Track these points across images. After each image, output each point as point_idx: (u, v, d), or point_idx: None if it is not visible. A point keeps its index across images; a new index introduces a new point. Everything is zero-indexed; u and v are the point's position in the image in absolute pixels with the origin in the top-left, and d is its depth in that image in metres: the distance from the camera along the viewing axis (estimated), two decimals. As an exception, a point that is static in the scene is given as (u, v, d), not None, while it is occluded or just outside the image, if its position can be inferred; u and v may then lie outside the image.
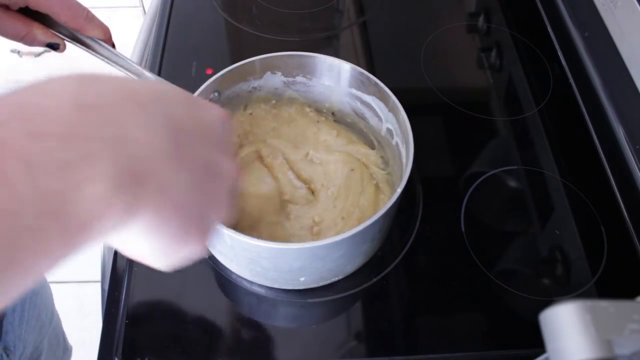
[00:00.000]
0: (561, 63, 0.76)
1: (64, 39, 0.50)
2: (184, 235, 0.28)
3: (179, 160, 0.26)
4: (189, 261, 0.30)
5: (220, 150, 0.30)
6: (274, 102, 0.62)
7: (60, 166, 0.20)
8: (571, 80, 0.74)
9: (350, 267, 0.53)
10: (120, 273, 0.55)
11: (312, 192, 0.58)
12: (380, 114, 0.58)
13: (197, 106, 0.29)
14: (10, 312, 0.62)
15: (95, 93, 0.23)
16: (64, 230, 0.21)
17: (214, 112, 0.30)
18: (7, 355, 0.60)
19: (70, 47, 0.50)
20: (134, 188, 0.23)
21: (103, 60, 0.51)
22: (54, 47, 0.50)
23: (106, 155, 0.22)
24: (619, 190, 0.63)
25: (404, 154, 0.53)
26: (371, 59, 0.78)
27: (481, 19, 0.85)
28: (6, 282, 0.19)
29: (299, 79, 0.60)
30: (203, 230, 0.29)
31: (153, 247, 0.27)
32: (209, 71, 0.70)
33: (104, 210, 0.22)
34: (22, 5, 0.46)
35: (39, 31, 0.48)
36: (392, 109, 0.55)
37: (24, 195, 0.19)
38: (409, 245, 0.58)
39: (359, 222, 0.46)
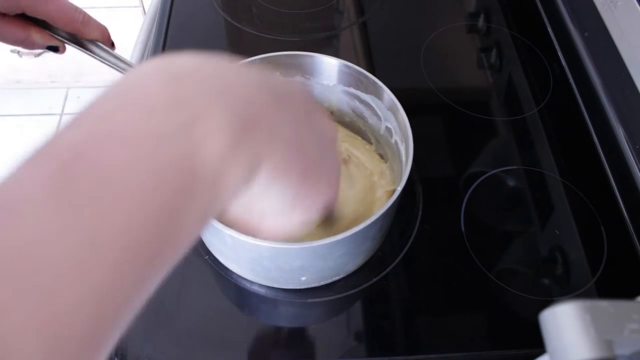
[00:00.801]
0: (561, 63, 0.76)
1: (63, 42, 0.50)
2: (309, 179, 0.28)
3: (280, 106, 0.26)
4: (316, 217, 0.30)
5: (314, 105, 0.30)
6: None
7: (178, 130, 0.20)
8: (571, 80, 0.74)
9: (351, 266, 0.53)
10: (120, 273, 0.55)
11: None
12: (379, 112, 0.58)
13: (312, 103, 0.30)
14: None
15: (182, 66, 0.24)
16: (199, 192, 0.21)
17: (296, 82, 0.32)
18: None
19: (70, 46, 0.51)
20: (249, 132, 0.23)
21: (102, 61, 0.51)
22: (53, 49, 0.50)
23: (215, 108, 0.22)
24: (619, 190, 0.63)
25: (404, 152, 0.53)
26: (371, 59, 0.78)
27: (481, 19, 0.85)
28: (162, 262, 0.21)
29: (298, 78, 0.60)
30: (322, 172, 0.29)
31: (281, 200, 0.27)
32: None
33: (229, 160, 0.22)
34: (19, 12, 0.46)
35: (38, 35, 0.48)
36: (391, 108, 0.55)
37: (159, 166, 0.20)
38: (409, 245, 0.58)
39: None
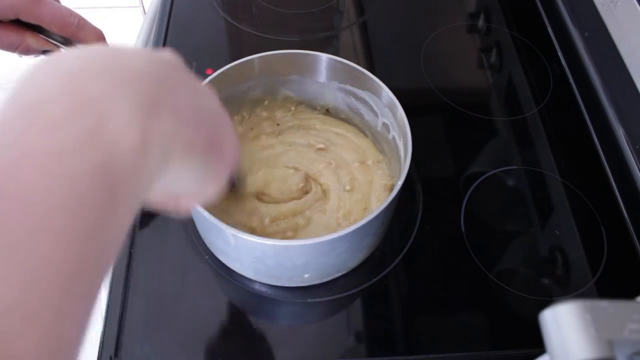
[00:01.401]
0: (561, 63, 0.76)
1: (58, 46, 0.50)
2: (214, 147, 0.30)
3: (172, 83, 0.27)
4: (221, 185, 0.33)
5: (189, 74, 0.31)
6: (266, 103, 0.62)
7: (87, 138, 0.20)
8: (571, 80, 0.74)
9: (353, 262, 0.54)
10: (120, 273, 0.55)
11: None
12: (375, 109, 0.58)
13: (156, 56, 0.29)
14: None
15: (71, 65, 0.23)
16: (122, 194, 0.21)
17: (166, 51, 0.31)
18: None
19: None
20: (156, 119, 0.24)
21: None
22: (49, 54, 0.50)
23: (118, 102, 0.22)
24: (619, 190, 0.63)
25: (402, 148, 0.53)
26: (371, 59, 0.78)
27: (481, 19, 0.85)
28: (92, 288, 0.20)
29: (293, 77, 0.60)
30: (221, 143, 0.31)
31: (193, 174, 0.29)
32: (209, 71, 0.70)
33: (145, 153, 0.22)
34: (13, 17, 0.46)
35: (33, 40, 0.48)
36: (388, 104, 0.55)
37: (78, 181, 0.19)
38: (409, 245, 0.58)
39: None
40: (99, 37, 0.50)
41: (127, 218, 0.22)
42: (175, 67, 0.30)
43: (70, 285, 0.19)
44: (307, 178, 0.58)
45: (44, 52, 0.49)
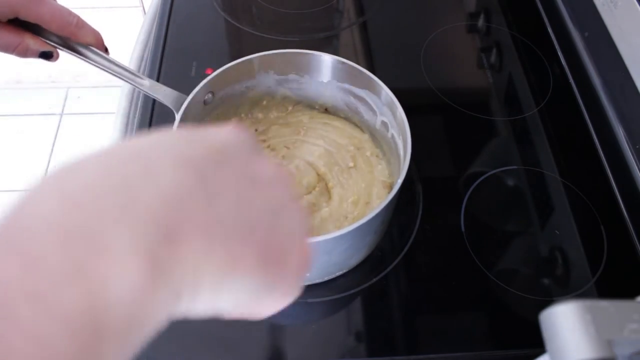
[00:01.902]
0: (561, 63, 0.76)
1: (56, 47, 0.50)
2: (270, 262, 0.23)
3: (207, 188, 0.20)
4: (286, 301, 0.25)
5: (251, 158, 0.24)
6: (264, 103, 0.62)
7: (71, 274, 0.16)
8: (571, 80, 0.74)
9: (354, 260, 0.54)
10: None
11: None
12: (374, 107, 0.58)
13: (202, 132, 0.24)
14: None
15: (77, 184, 0.19)
16: (112, 347, 0.17)
17: (224, 130, 0.25)
18: None
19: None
20: (174, 249, 0.18)
21: (97, 66, 0.51)
22: (47, 56, 0.49)
23: (120, 230, 0.17)
24: (619, 190, 0.63)
25: (401, 146, 0.53)
26: (371, 59, 0.78)
27: (481, 19, 0.85)
28: None
29: (292, 76, 0.60)
30: (280, 250, 0.23)
31: (233, 304, 0.22)
32: (209, 71, 0.70)
33: (151, 296, 0.18)
34: (12, 16, 0.46)
35: (31, 41, 0.47)
36: (386, 102, 0.55)
37: (62, 340, 0.16)
38: (409, 245, 0.58)
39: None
40: (97, 38, 0.50)
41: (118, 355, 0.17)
42: (230, 153, 0.23)
43: None
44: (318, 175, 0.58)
45: (42, 54, 0.49)
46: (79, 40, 0.49)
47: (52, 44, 0.49)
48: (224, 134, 0.24)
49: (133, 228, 0.17)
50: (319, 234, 0.45)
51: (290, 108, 0.64)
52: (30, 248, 0.16)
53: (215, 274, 0.20)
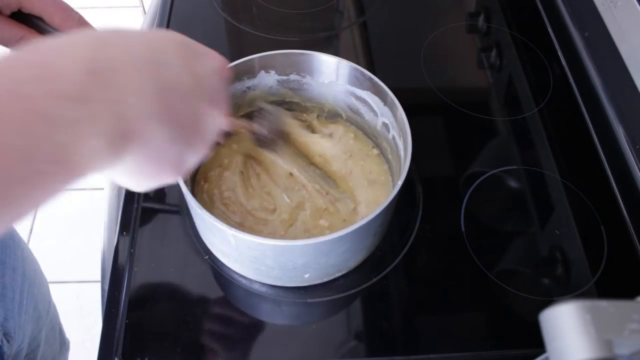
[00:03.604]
0: (561, 63, 0.76)
1: None
2: (158, 174, 0.35)
3: (163, 118, 0.31)
4: (162, 185, 0.37)
5: (211, 103, 0.35)
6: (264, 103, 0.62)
7: (71, 122, 0.26)
8: (571, 80, 0.74)
9: (353, 262, 0.54)
10: (120, 273, 0.55)
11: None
12: (375, 108, 0.58)
13: (195, 58, 0.35)
14: (10, 299, 0.62)
15: (104, 58, 0.29)
16: (65, 173, 0.26)
17: (211, 63, 0.36)
18: (8, 342, 0.60)
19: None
20: (122, 142, 0.29)
21: None
22: None
23: (105, 116, 0.27)
24: (619, 190, 0.63)
25: (402, 147, 0.53)
26: (371, 59, 0.78)
27: (481, 19, 0.85)
28: (9, 211, 0.25)
29: (293, 77, 0.60)
30: (177, 168, 0.36)
31: (132, 179, 0.34)
32: (209, 71, 0.70)
33: (98, 158, 0.28)
34: (16, 8, 0.46)
35: (32, 36, 0.48)
36: (387, 103, 0.55)
37: (40, 144, 0.24)
38: (409, 245, 0.58)
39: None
40: None
41: (59, 181, 0.27)
42: (195, 92, 0.34)
43: None
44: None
45: None
46: None
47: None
48: (210, 67, 0.36)
49: (111, 118, 0.28)
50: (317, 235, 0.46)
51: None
52: (57, 85, 0.26)
53: (126, 168, 0.32)
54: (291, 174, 0.58)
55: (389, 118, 0.56)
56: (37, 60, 0.26)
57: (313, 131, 0.63)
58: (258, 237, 0.45)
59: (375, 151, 0.61)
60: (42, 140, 0.24)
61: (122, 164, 0.31)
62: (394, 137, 0.56)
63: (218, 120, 0.37)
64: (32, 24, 0.48)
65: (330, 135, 0.62)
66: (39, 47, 0.27)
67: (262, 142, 0.52)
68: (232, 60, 0.57)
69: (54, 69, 0.26)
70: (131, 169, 0.32)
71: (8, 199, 0.24)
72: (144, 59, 0.31)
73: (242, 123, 0.51)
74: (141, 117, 0.30)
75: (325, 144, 0.61)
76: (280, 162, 0.58)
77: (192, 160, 0.37)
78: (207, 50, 0.38)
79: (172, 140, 0.33)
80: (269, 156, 0.59)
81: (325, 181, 0.58)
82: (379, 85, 0.55)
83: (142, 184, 0.36)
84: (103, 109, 0.27)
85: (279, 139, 0.54)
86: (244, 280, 0.55)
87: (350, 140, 0.62)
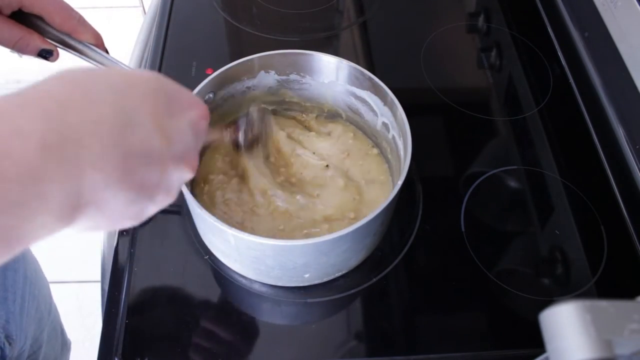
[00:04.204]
0: (561, 63, 0.76)
1: (57, 46, 0.49)
2: (114, 227, 0.35)
3: (123, 186, 0.29)
4: (159, 208, 0.35)
5: (179, 160, 0.33)
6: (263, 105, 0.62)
7: (16, 204, 0.24)
8: (571, 80, 0.74)
9: (353, 262, 0.54)
10: (120, 273, 0.55)
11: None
12: (375, 108, 0.58)
13: (169, 113, 0.33)
14: (12, 301, 0.62)
15: (62, 128, 0.26)
16: (6, 250, 0.25)
17: (187, 116, 0.34)
18: (10, 344, 0.60)
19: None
20: (74, 214, 0.27)
21: (96, 65, 0.51)
22: (46, 55, 0.49)
23: (57, 194, 0.25)
24: (619, 190, 0.63)
25: (402, 147, 0.53)
26: (371, 59, 0.78)
27: (481, 19, 0.85)
28: None
29: (293, 77, 0.60)
30: (136, 219, 0.34)
31: (85, 232, 0.32)
32: (209, 71, 0.70)
33: (46, 231, 0.26)
34: (17, 7, 0.46)
35: (32, 37, 0.47)
36: (387, 103, 0.55)
37: None
38: (409, 245, 0.58)
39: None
40: (97, 37, 0.50)
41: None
42: (162, 151, 0.32)
43: None
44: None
45: (41, 53, 0.49)
46: (79, 37, 0.49)
47: (53, 42, 0.49)
48: (185, 122, 0.34)
49: (64, 196, 0.26)
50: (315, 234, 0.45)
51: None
52: (4, 166, 0.24)
53: (81, 228, 0.29)
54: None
55: (389, 118, 0.56)
56: None
57: (311, 130, 0.63)
58: (258, 237, 0.45)
59: (375, 151, 0.61)
60: None
61: (73, 228, 0.29)
62: (393, 137, 0.56)
63: (185, 175, 0.35)
64: (32, 24, 0.48)
65: (329, 134, 0.63)
66: None
67: (239, 147, 0.52)
68: (232, 60, 0.57)
69: (2, 147, 0.24)
70: (84, 228, 0.30)
71: None
72: (109, 123, 0.28)
73: (213, 136, 0.51)
74: (97, 189, 0.28)
75: (321, 143, 0.61)
76: (255, 175, 0.57)
77: (154, 210, 0.35)
78: (186, 97, 0.35)
79: (131, 202, 0.31)
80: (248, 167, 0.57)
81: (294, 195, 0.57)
82: (379, 85, 0.55)
83: (97, 231, 0.33)
84: (55, 188, 0.25)
85: (256, 144, 0.54)
86: (244, 280, 0.55)
87: (349, 140, 0.62)
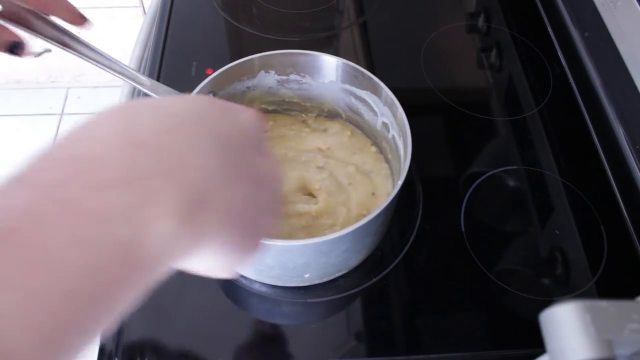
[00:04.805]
0: (561, 63, 0.76)
1: (56, 46, 0.49)
2: (245, 244, 0.29)
3: (231, 176, 0.26)
4: (247, 263, 0.32)
5: (261, 152, 0.30)
6: (262, 106, 0.62)
7: (126, 212, 0.20)
8: (571, 80, 0.74)
9: (354, 261, 0.54)
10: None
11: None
12: (375, 108, 0.58)
13: (231, 112, 0.29)
14: None
15: (142, 127, 0.23)
16: (139, 274, 0.21)
17: (246, 114, 0.30)
18: None
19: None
20: (198, 216, 0.23)
21: (97, 66, 0.51)
22: (17, 50, 0.47)
23: (167, 190, 0.22)
24: (619, 190, 0.63)
25: (402, 147, 0.53)
26: (371, 59, 0.78)
27: (481, 19, 0.85)
28: (88, 331, 0.20)
29: (293, 77, 0.60)
30: (259, 234, 0.31)
31: (218, 261, 0.28)
32: (209, 71, 0.70)
33: (174, 243, 0.22)
34: (17, 1, 0.45)
35: (29, 36, 0.46)
36: (387, 103, 0.55)
37: (99, 250, 0.19)
38: (409, 245, 0.58)
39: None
40: (71, 12, 0.48)
41: (138, 287, 0.22)
42: (246, 143, 0.28)
43: (67, 315, 0.19)
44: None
45: (12, 47, 0.47)
46: (52, 13, 0.47)
47: (52, 42, 0.49)
48: (247, 117, 0.30)
49: (175, 192, 0.22)
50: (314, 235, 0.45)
51: (270, 123, 0.63)
52: (101, 174, 0.21)
53: (219, 236, 0.25)
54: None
55: (389, 118, 0.56)
56: (67, 154, 0.21)
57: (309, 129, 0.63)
58: None
59: (374, 149, 0.61)
60: (98, 243, 0.19)
61: (205, 244, 0.25)
62: (393, 137, 0.56)
63: (273, 169, 0.31)
64: (25, 21, 0.47)
65: (325, 131, 0.63)
66: (67, 138, 0.22)
67: None
68: (232, 60, 0.57)
69: (88, 158, 0.21)
70: (217, 247, 0.26)
71: (81, 323, 0.19)
72: (186, 116, 0.26)
73: None
74: (208, 178, 0.24)
75: (316, 140, 0.61)
76: None
77: (267, 219, 0.31)
78: (236, 105, 0.32)
79: (246, 198, 0.27)
80: None
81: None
82: (379, 85, 0.55)
83: (230, 264, 0.30)
84: (160, 183, 0.22)
85: None
86: (244, 280, 0.55)
87: (344, 138, 0.62)
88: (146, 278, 0.22)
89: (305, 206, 0.55)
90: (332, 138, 0.62)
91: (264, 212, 0.30)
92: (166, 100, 0.26)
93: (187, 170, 0.23)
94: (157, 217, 0.21)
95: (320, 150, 0.61)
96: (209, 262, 0.28)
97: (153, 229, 0.21)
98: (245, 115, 0.30)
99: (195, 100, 0.28)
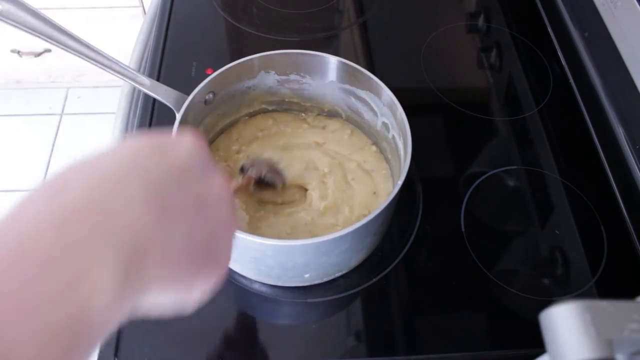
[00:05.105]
0: (561, 63, 0.76)
1: (56, 45, 0.49)
2: (196, 275, 0.28)
3: (166, 218, 0.26)
4: (211, 292, 0.31)
5: (206, 174, 0.30)
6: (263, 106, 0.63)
7: (65, 292, 0.20)
8: (571, 80, 0.74)
9: (353, 262, 0.54)
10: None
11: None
12: (375, 108, 0.58)
13: (166, 147, 0.29)
14: None
15: (70, 197, 0.23)
16: (92, 337, 0.21)
17: (184, 141, 0.30)
18: None
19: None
20: (136, 270, 0.23)
21: (97, 65, 0.51)
22: None
23: (102, 259, 0.22)
24: (619, 190, 0.63)
25: (402, 147, 0.53)
26: (371, 59, 0.78)
27: (481, 19, 0.85)
28: None
29: (293, 77, 0.60)
30: (214, 258, 0.30)
31: (171, 301, 0.28)
32: (209, 71, 0.70)
33: (120, 304, 0.22)
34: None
35: None
36: (387, 103, 0.55)
37: (51, 329, 0.20)
38: (409, 244, 0.58)
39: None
40: None
41: (92, 346, 0.22)
42: (186, 172, 0.28)
43: None
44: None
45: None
46: None
47: (51, 42, 0.49)
48: (185, 144, 0.30)
49: (113, 255, 0.22)
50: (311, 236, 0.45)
51: (270, 121, 0.63)
52: (35, 257, 0.21)
53: (164, 281, 0.26)
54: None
55: (389, 118, 0.56)
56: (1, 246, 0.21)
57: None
58: (258, 237, 0.45)
59: (374, 148, 0.61)
60: (48, 326, 0.20)
61: (151, 291, 0.25)
62: (393, 137, 0.56)
63: (221, 189, 0.31)
64: (27, 22, 0.47)
65: (324, 128, 0.63)
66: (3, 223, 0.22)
67: (262, 185, 0.54)
68: (232, 60, 0.57)
69: (20, 247, 0.21)
70: (164, 289, 0.26)
71: None
72: (115, 169, 0.25)
73: (240, 183, 0.53)
74: (142, 229, 0.24)
75: (314, 135, 0.61)
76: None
77: (223, 240, 0.31)
78: (171, 136, 0.31)
79: (190, 232, 0.27)
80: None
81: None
82: (379, 85, 0.55)
83: (187, 299, 0.30)
84: (95, 251, 0.22)
85: (277, 175, 0.55)
86: (244, 280, 0.55)
87: (345, 136, 0.62)
88: (99, 336, 0.22)
89: (316, 202, 0.55)
90: (331, 135, 0.62)
91: (213, 237, 0.29)
92: (96, 158, 0.26)
93: (119, 228, 0.23)
94: (95, 290, 0.21)
95: (317, 144, 0.61)
96: (164, 304, 0.28)
97: (96, 301, 0.21)
98: (183, 143, 0.30)
99: (128, 147, 0.28)
